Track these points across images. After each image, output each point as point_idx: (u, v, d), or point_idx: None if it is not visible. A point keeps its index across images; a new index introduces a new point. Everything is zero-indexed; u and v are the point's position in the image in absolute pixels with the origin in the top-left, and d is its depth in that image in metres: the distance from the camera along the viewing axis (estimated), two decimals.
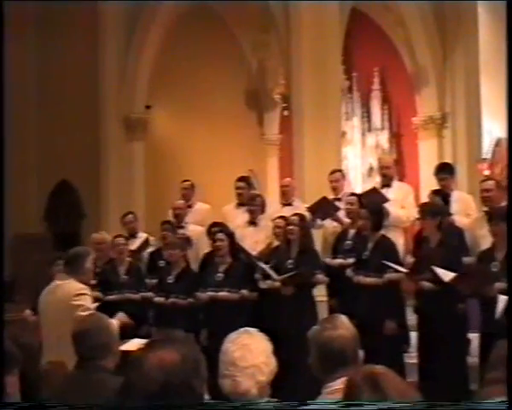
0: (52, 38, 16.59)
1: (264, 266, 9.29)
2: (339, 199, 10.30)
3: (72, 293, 6.40)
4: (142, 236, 11.16)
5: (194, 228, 10.78)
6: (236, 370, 3.53)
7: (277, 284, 9.12)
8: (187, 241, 10.10)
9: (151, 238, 11.09)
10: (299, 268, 9.01)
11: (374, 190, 10.21)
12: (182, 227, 10.69)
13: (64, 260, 6.96)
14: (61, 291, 6.53)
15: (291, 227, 9.23)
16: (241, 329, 3.76)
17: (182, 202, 11.15)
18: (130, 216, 11.34)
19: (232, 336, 3.70)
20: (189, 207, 11.24)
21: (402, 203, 10.04)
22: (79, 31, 15.90)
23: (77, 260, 6.68)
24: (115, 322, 6.34)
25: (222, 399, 3.35)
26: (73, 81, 16.04)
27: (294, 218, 9.34)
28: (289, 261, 9.22)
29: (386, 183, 10.21)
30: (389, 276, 8.55)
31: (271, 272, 9.12)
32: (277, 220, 9.65)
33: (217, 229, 9.72)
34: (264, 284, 9.43)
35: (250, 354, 3.58)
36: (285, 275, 9.01)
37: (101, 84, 15.81)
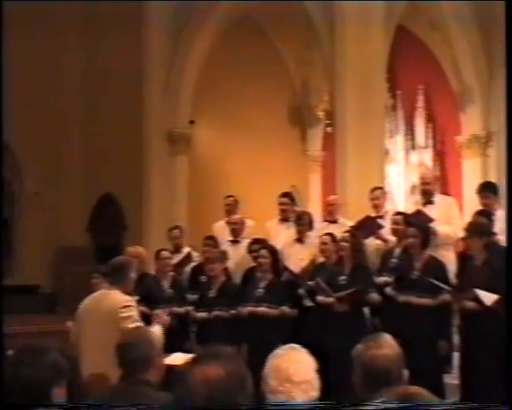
0: (97, 53, 16.77)
1: (321, 282, 9.22)
2: (380, 217, 10.24)
3: (119, 304, 6.37)
4: (186, 250, 11.16)
5: (244, 243, 10.73)
6: (291, 385, 3.53)
7: (330, 300, 9.06)
8: (224, 255, 10.11)
9: (194, 253, 11.09)
10: (352, 285, 8.95)
11: (418, 213, 10.12)
12: (238, 242, 10.69)
13: (107, 270, 6.94)
14: (106, 302, 6.50)
15: (343, 244, 9.18)
16: (286, 345, 3.76)
17: (238, 216, 11.08)
18: (176, 231, 11.32)
19: (279, 352, 3.69)
20: (241, 222, 11.20)
21: (447, 218, 9.92)
22: (124, 46, 16.05)
23: (120, 270, 6.66)
24: (158, 330, 6.36)
25: None
26: (118, 96, 16.20)
27: (346, 235, 9.30)
28: (341, 278, 9.16)
29: (428, 199, 10.11)
30: (443, 297, 8.48)
31: (327, 289, 9.06)
32: (324, 237, 9.62)
33: (258, 246, 9.70)
34: (309, 301, 9.41)
35: (303, 369, 3.59)
36: (343, 292, 8.95)
37: (145, 99, 15.94)
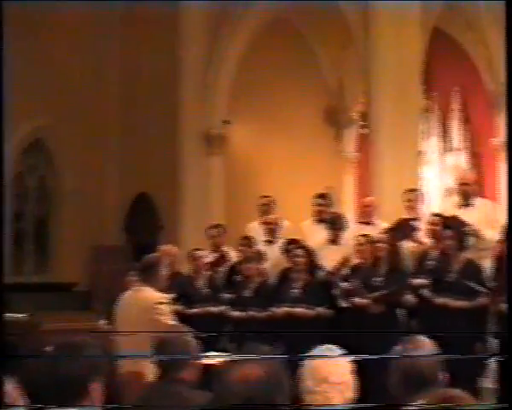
0: (135, 53, 16.88)
1: (356, 283, 9.22)
2: (415, 219, 10.21)
3: (152, 301, 6.43)
4: (225, 249, 11.14)
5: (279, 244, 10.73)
6: (328, 386, 3.54)
7: (365, 301, 9.06)
8: (261, 255, 10.13)
9: (231, 253, 11.09)
10: (388, 287, 8.93)
11: (454, 218, 10.07)
12: (273, 242, 10.68)
13: (138, 269, 7.01)
14: (139, 300, 6.57)
15: (380, 246, 9.17)
16: (323, 346, 3.77)
17: (274, 216, 11.08)
18: (214, 230, 11.30)
19: (316, 353, 3.70)
20: (277, 222, 11.20)
21: (489, 222, 9.83)
22: (162, 46, 16.13)
23: (150, 268, 6.73)
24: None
25: None
26: (155, 96, 16.28)
27: (383, 237, 9.29)
28: (377, 280, 9.15)
29: (465, 201, 10.05)
30: (480, 300, 8.44)
31: (363, 290, 9.06)
32: (360, 238, 9.61)
33: (294, 246, 9.72)
34: (344, 302, 9.41)
35: (340, 370, 3.60)
36: (378, 293, 8.94)
37: (181, 99, 16.00)
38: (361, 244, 9.51)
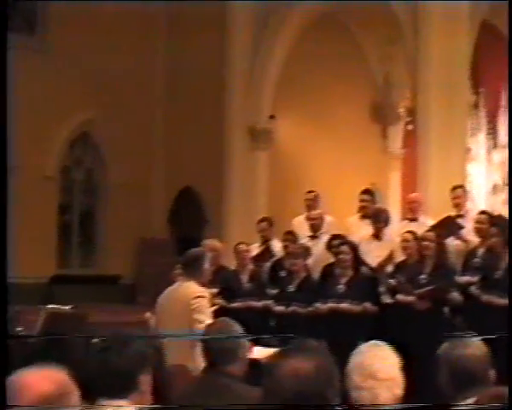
0: (181, 49, 16.97)
1: (399, 279, 9.19)
2: (461, 216, 10.13)
3: (192, 295, 6.45)
4: (276, 243, 11.11)
5: (326, 239, 10.70)
6: (376, 383, 3.51)
7: (411, 298, 9.01)
8: (306, 250, 10.11)
9: (277, 247, 11.07)
10: (433, 284, 8.88)
11: (500, 216, 9.98)
12: (316, 237, 10.66)
13: (182, 262, 7.03)
14: (180, 293, 6.59)
15: (426, 243, 9.11)
16: (371, 341, 3.75)
17: (317, 212, 11.03)
18: (264, 223, 11.29)
19: (363, 348, 3.68)
20: (320, 218, 11.16)
21: None
22: (208, 41, 16.19)
23: (194, 262, 6.74)
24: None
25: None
26: (200, 90, 16.35)
27: (430, 234, 9.23)
28: (422, 276, 9.10)
29: None
30: None
31: (408, 286, 9.02)
32: (406, 235, 9.55)
33: (339, 241, 9.69)
34: (388, 298, 9.37)
35: (388, 366, 3.57)
36: (423, 290, 8.89)
37: (227, 93, 16.05)
38: (407, 241, 9.44)
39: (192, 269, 6.68)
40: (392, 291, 9.36)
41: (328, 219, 11.35)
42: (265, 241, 11.01)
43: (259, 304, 9.93)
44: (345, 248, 9.35)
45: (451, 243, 10.01)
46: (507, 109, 16.49)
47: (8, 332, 4.41)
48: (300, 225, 11.12)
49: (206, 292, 6.61)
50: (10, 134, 15.14)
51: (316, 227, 10.82)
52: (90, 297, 14.50)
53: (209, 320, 6.00)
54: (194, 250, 6.99)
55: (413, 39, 13.24)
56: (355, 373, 3.55)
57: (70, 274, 16.64)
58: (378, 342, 3.80)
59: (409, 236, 9.49)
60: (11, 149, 16.51)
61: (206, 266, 6.77)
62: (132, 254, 17.15)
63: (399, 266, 9.61)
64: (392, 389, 3.52)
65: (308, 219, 11.00)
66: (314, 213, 11.02)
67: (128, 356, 3.32)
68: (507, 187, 10.56)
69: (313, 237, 10.71)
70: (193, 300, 6.41)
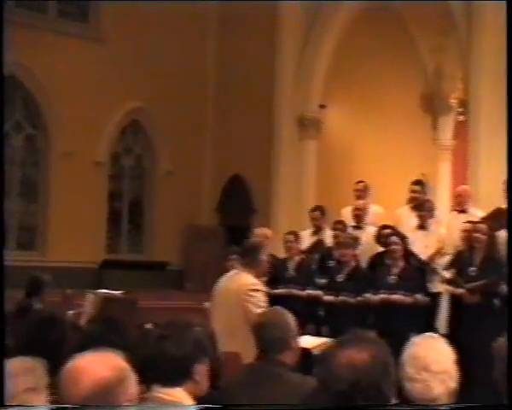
0: (231, 37, 17.01)
1: (444, 272, 9.13)
2: None
3: (246, 287, 6.46)
4: (328, 232, 11.09)
5: (371, 230, 10.68)
6: (429, 375, 3.49)
7: (460, 290, 8.96)
8: (356, 240, 10.08)
9: (326, 237, 11.05)
10: (483, 277, 8.80)
11: None
12: (360, 228, 10.63)
13: (239, 252, 7.03)
14: (235, 284, 6.60)
15: (477, 235, 9.04)
16: (426, 333, 3.73)
17: (362, 202, 11.02)
18: (316, 212, 11.27)
19: (418, 340, 3.67)
20: (365, 208, 11.14)
21: None
22: (257, 31, 16.22)
23: (252, 252, 6.74)
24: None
25: (404, 402, 3.34)
26: (250, 79, 16.37)
27: (482, 226, 9.15)
28: (471, 269, 9.03)
29: None
30: None
31: (458, 279, 8.96)
32: (465, 225, 9.48)
33: (389, 232, 9.66)
34: (435, 288, 9.33)
35: (442, 359, 3.55)
36: (474, 283, 8.82)
37: (277, 82, 16.04)
38: (466, 231, 9.36)
39: (249, 259, 6.68)
40: (443, 283, 9.31)
41: (375, 209, 11.31)
42: (317, 229, 11.00)
43: (304, 293, 9.90)
44: (395, 238, 9.30)
45: (501, 235, 9.92)
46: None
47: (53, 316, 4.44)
48: (349, 215, 11.11)
49: (262, 285, 6.60)
50: (62, 121, 15.34)
51: (359, 218, 10.81)
52: (139, 283, 14.64)
53: None
54: (252, 241, 6.98)
55: (466, 30, 13.10)
56: (409, 365, 3.53)
57: (119, 260, 16.79)
58: (433, 334, 3.79)
59: (468, 226, 9.41)
60: (63, 136, 16.77)
61: (263, 257, 6.77)
62: (180, 241, 17.25)
63: (450, 258, 9.54)
64: (446, 382, 3.51)
65: (352, 209, 11.00)
66: (357, 203, 11.01)
67: (185, 344, 3.32)
68: None
69: (357, 228, 10.68)
70: (248, 292, 6.42)
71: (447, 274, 9.27)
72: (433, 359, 3.54)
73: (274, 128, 16.05)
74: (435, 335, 3.76)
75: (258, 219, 15.55)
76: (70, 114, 15.96)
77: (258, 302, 6.38)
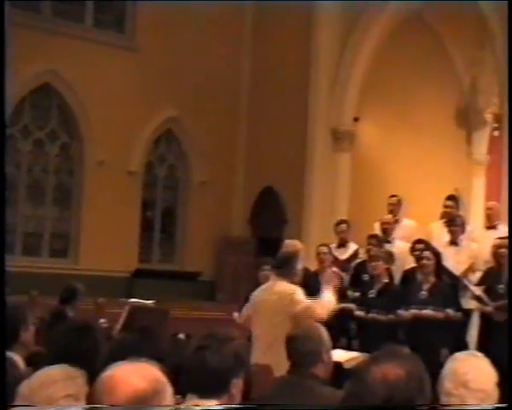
0: (266, 51, 17.04)
1: (474, 288, 9.08)
2: None
3: (289, 295, 6.47)
4: (352, 246, 11.11)
5: (400, 244, 10.69)
6: (467, 392, 3.47)
7: (489, 308, 8.90)
8: (390, 256, 10.05)
9: (360, 250, 11.05)
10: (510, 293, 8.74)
11: None
12: (389, 242, 10.62)
13: (275, 263, 7.05)
14: (275, 293, 6.60)
15: (503, 251, 8.99)
16: (468, 350, 3.71)
17: (390, 216, 11.05)
18: (343, 225, 11.30)
19: (459, 356, 3.65)
20: (396, 222, 11.15)
21: None
22: (293, 42, 16.23)
23: (288, 263, 6.76)
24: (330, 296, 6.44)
25: None
26: (284, 91, 16.38)
27: (505, 241, 9.10)
28: (500, 286, 8.97)
29: None
30: None
31: (484, 296, 8.91)
32: (495, 241, 9.41)
33: (422, 246, 9.61)
34: (468, 305, 9.27)
35: (482, 378, 3.52)
36: (502, 302, 8.76)
37: (311, 95, 16.03)
38: (498, 247, 9.28)
39: (284, 270, 6.70)
40: (473, 299, 9.25)
41: (407, 222, 11.30)
42: (342, 242, 11.02)
43: (340, 307, 9.88)
44: (428, 253, 9.26)
45: None
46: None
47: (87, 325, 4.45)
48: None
49: (299, 289, 6.62)
50: (97, 129, 15.45)
51: (387, 231, 10.81)
52: (170, 293, 14.67)
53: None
54: (287, 251, 6.98)
55: (503, 44, 13.00)
56: (447, 379, 3.51)
57: (151, 269, 16.83)
58: (475, 352, 3.76)
59: (497, 242, 9.34)
60: (97, 145, 16.87)
61: (299, 266, 6.80)
62: (212, 251, 17.27)
63: (484, 274, 9.48)
64: (484, 401, 3.47)
65: (381, 223, 11.01)
66: (385, 217, 11.01)
67: (226, 357, 3.30)
68: None
69: (385, 241, 10.67)
70: (289, 296, 6.44)
71: (477, 291, 9.21)
72: (472, 376, 3.51)
73: (307, 140, 16.03)
74: (478, 354, 3.73)
75: (290, 230, 15.53)
76: (104, 123, 16.07)
77: (304, 301, 6.41)
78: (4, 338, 3.87)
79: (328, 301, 6.65)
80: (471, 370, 3.53)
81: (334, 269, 9.56)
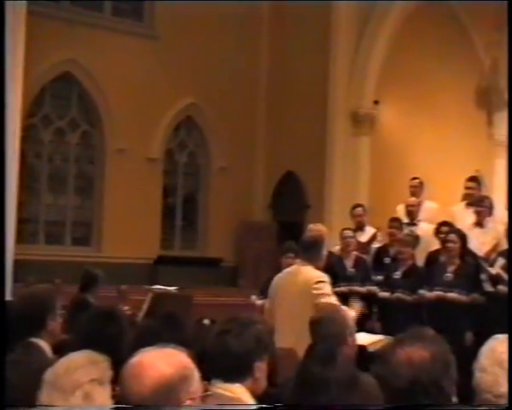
0: (284, 34, 17.00)
1: (490, 269, 9.04)
2: None
3: (313, 280, 6.43)
4: (369, 229, 11.11)
5: (425, 226, 10.63)
6: (501, 371, 3.47)
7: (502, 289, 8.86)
8: (416, 239, 10.02)
9: (379, 233, 11.03)
10: None
11: None
12: (414, 224, 10.59)
13: (300, 247, 6.99)
14: (300, 277, 6.56)
15: None
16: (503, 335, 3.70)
17: (414, 198, 10.99)
18: (359, 209, 11.29)
19: (500, 336, 3.64)
20: (419, 204, 11.10)
21: None
22: (311, 28, 16.19)
23: (312, 246, 6.70)
24: (352, 313, 6.39)
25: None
26: (303, 75, 16.35)
27: None
28: None
29: None
30: None
31: (503, 275, 8.86)
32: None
33: (447, 229, 9.57)
34: (490, 288, 9.22)
35: None
36: None
37: (330, 79, 16.00)
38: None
39: (309, 254, 6.63)
40: (494, 281, 9.19)
41: (429, 205, 11.24)
42: (360, 226, 11.00)
43: (364, 289, 9.90)
44: (453, 236, 9.19)
45: None
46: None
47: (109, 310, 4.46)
48: (403, 212, 11.08)
49: (326, 277, 6.57)
50: (117, 118, 15.49)
51: (412, 214, 10.77)
52: (192, 279, 14.72)
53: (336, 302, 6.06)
54: (312, 235, 6.91)
55: None
56: (484, 355, 3.50)
57: (173, 256, 16.89)
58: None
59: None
60: (118, 133, 16.94)
61: (324, 251, 6.75)
62: (233, 237, 17.30)
63: (500, 256, 9.42)
64: None
65: (406, 206, 10.96)
66: (410, 200, 10.96)
67: (247, 341, 3.31)
68: None
69: (411, 224, 10.64)
70: (315, 284, 6.39)
71: (493, 271, 9.15)
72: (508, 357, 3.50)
73: (327, 124, 16.01)
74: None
75: (311, 215, 15.52)
76: (125, 111, 16.11)
77: (328, 294, 6.37)
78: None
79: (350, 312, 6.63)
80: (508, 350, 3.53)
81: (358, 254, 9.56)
